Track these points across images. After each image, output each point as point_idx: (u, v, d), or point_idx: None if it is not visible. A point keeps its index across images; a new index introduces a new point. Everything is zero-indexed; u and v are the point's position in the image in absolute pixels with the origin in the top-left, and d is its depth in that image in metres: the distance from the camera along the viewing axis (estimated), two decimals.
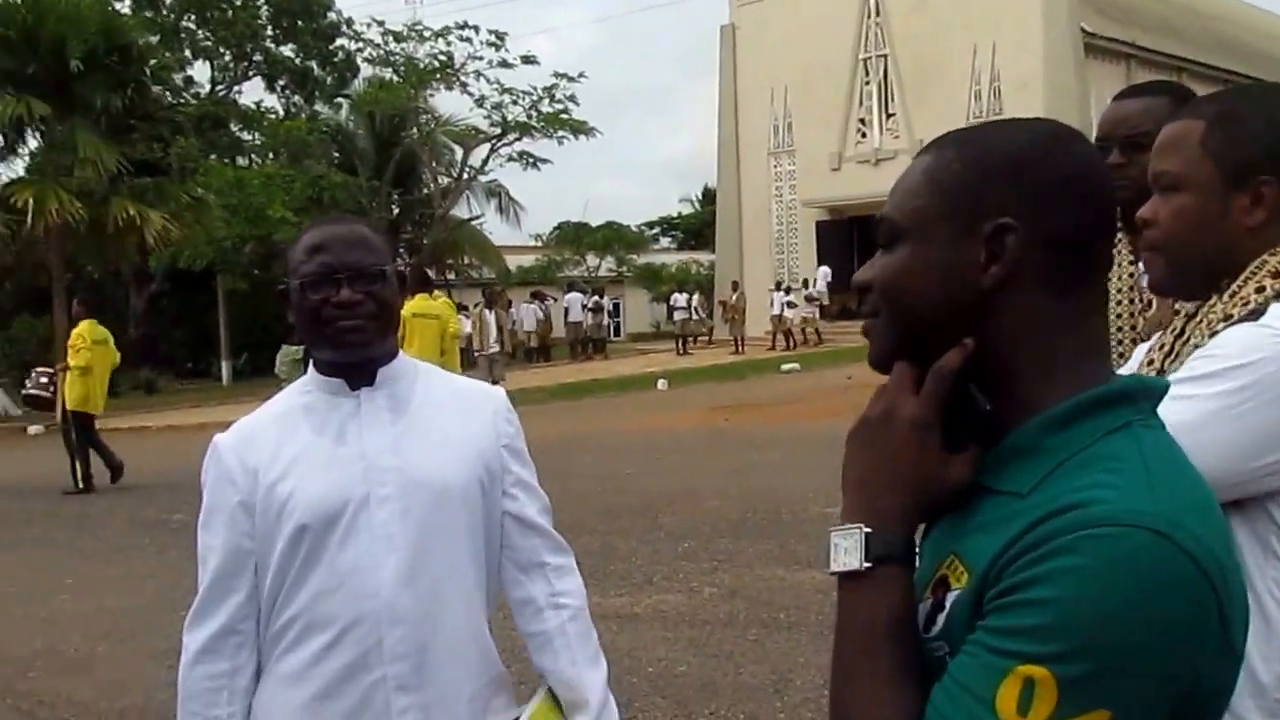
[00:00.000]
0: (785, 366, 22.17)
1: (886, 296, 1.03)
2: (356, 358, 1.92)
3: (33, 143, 24.30)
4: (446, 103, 52.95)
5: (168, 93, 28.28)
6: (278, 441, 1.93)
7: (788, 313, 27.42)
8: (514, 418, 2.10)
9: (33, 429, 20.39)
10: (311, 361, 2.01)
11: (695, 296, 30.91)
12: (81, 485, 11.82)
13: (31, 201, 20.89)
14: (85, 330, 11.96)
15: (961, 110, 26.97)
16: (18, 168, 24.92)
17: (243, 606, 1.90)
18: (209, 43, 31.19)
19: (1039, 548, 0.88)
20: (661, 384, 20.70)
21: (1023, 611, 0.87)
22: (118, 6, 26.84)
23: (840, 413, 12.79)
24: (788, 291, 27.96)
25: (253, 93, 42.88)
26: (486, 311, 16.36)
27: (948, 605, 0.95)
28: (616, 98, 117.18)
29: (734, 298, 28.21)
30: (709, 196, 45.44)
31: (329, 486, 1.88)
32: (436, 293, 12.68)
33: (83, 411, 11.88)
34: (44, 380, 12.39)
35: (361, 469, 1.89)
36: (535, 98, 27.37)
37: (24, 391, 12.98)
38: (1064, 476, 0.92)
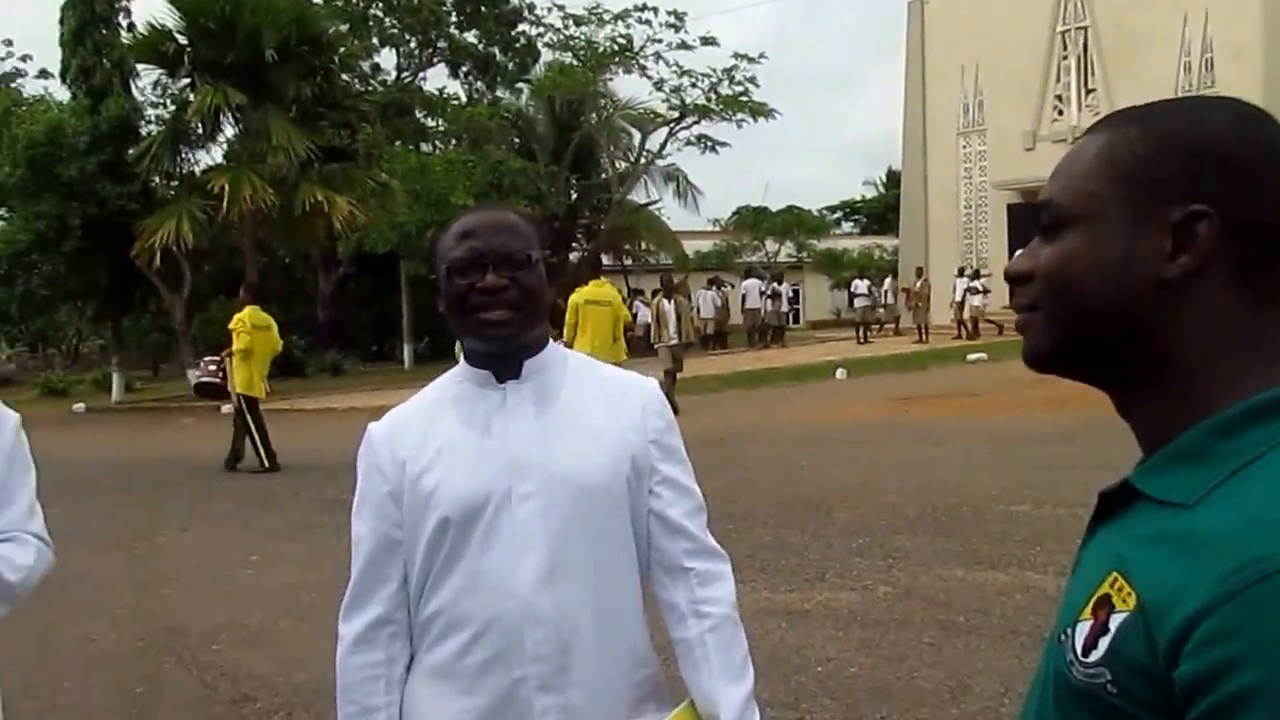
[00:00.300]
0: (971, 357, 21.39)
1: (1052, 288, 0.96)
2: (501, 348, 1.90)
3: (229, 130, 25.31)
4: (625, 86, 53.45)
5: (355, 80, 29.23)
6: (426, 432, 1.92)
7: (971, 300, 26.46)
8: (666, 411, 2.02)
9: (226, 408, 21.39)
10: (463, 352, 1.99)
11: (887, 281, 30.13)
12: (266, 464, 12.28)
13: (227, 187, 21.92)
14: (247, 316, 12.42)
15: (1168, 84, 25.43)
16: (215, 155, 26.11)
17: (395, 596, 1.91)
18: (395, 30, 32.13)
19: (1214, 616, 0.79)
20: (840, 373, 20.26)
21: (1245, 711, 0.77)
22: None
23: (1028, 406, 12.28)
24: (974, 277, 26.99)
25: (437, 79, 44.14)
26: (665, 301, 15.89)
27: (1112, 629, 0.86)
28: (798, 78, 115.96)
29: (918, 284, 27.43)
30: (893, 179, 44.42)
31: (472, 481, 1.86)
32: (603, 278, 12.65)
33: (248, 395, 12.32)
34: (212, 367, 12.88)
35: (504, 464, 1.87)
36: (714, 80, 27.16)
37: (195, 381, 13.43)
38: (1234, 486, 0.85)
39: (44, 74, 32.50)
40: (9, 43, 55.80)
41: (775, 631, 5.62)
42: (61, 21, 25.55)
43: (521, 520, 1.84)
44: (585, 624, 1.85)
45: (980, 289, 26.50)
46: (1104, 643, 0.87)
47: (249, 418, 12.38)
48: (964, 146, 30.97)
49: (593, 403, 1.95)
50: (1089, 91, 28.58)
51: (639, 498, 1.93)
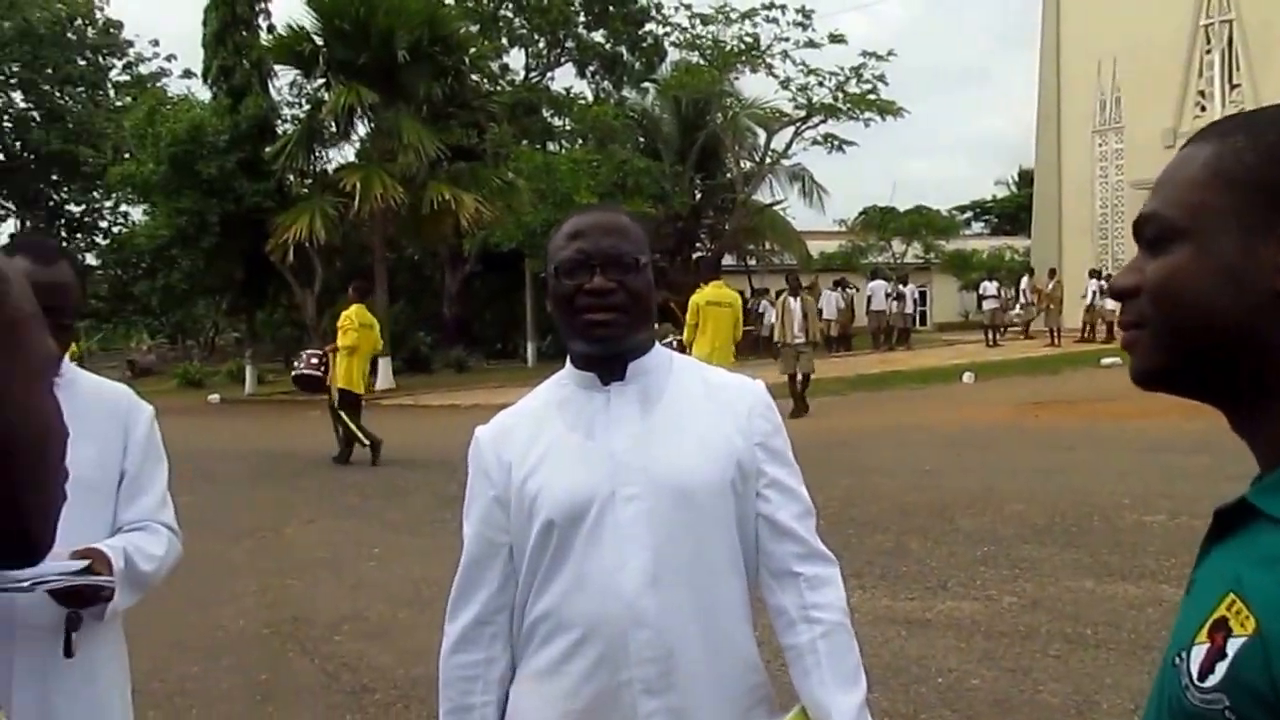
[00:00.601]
0: (1105, 361, 20.64)
1: (1159, 304, 0.94)
2: (606, 351, 1.90)
3: (361, 129, 25.87)
4: (751, 85, 53.13)
5: (484, 80, 29.60)
6: (532, 435, 1.93)
7: (1103, 302, 25.53)
8: (773, 413, 1.99)
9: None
10: (568, 355, 1.99)
11: (1024, 280, 29.28)
12: (368, 444, 12.49)
13: (359, 185, 22.39)
14: (354, 313, 12.72)
15: None
16: (347, 153, 26.74)
17: (494, 598, 1.92)
18: (524, 30, 32.48)
19: None
20: (967, 377, 19.77)
21: None
22: None
23: (1164, 413, 11.76)
24: (1105, 278, 26.06)
25: (564, 79, 44.58)
26: (791, 299, 15.02)
27: (1230, 654, 0.83)
28: (929, 74, 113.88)
29: (1050, 286, 26.63)
30: (1025, 178, 43.26)
31: (575, 483, 1.86)
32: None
33: (348, 390, 12.59)
34: (314, 361, 13.10)
35: (608, 466, 1.86)
36: (842, 78, 26.63)
37: (294, 373, 13.69)
38: None
39: (188, 74, 33.89)
40: (155, 43, 58.36)
41: (895, 640, 5.50)
42: (204, 23, 26.44)
43: (625, 522, 1.83)
44: (691, 627, 1.83)
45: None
46: (1221, 668, 0.84)
47: (346, 412, 12.65)
48: (1100, 144, 29.92)
49: (697, 405, 1.94)
50: (1233, 87, 27.32)
51: (745, 501, 1.91)
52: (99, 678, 2.32)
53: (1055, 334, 26.15)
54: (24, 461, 0.79)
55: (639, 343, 1.92)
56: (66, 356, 2.29)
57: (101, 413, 2.38)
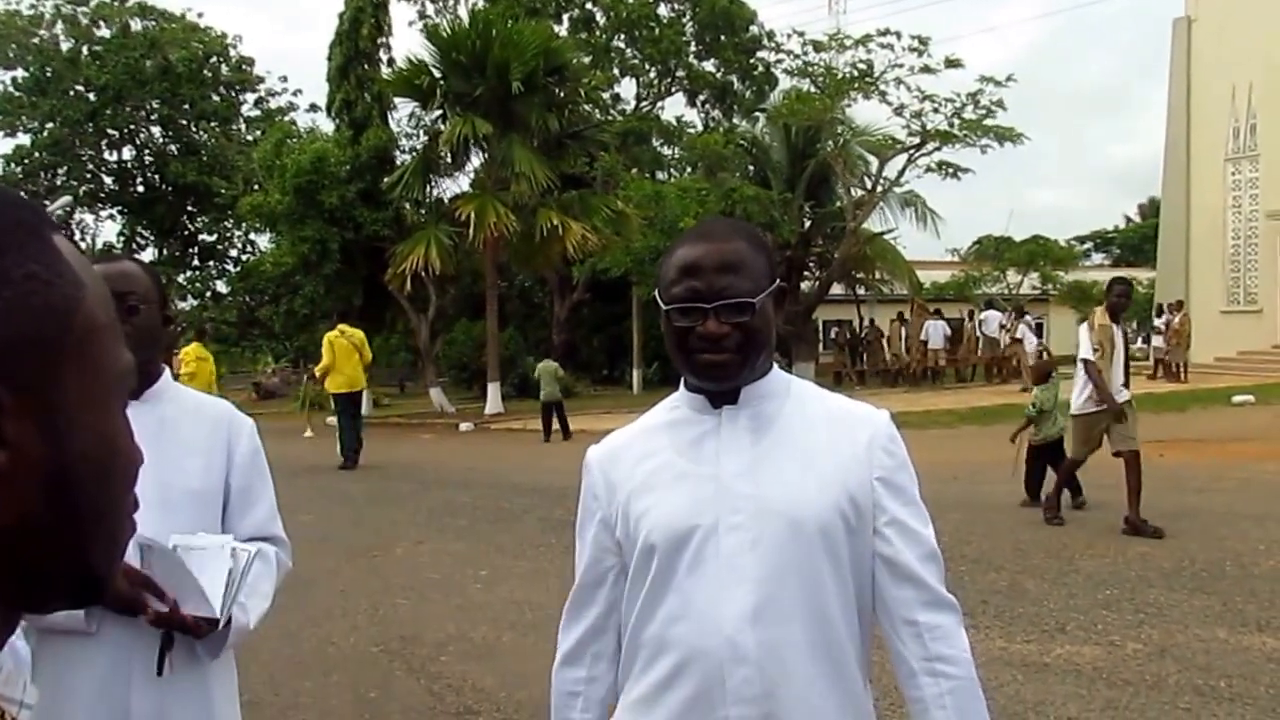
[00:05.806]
0: (1236, 398, 19.84)
1: None
2: (718, 389, 1.83)
3: (476, 159, 26.08)
4: (863, 112, 52.46)
5: (596, 110, 29.84)
6: (640, 457, 1.88)
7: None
8: (897, 447, 1.85)
9: (464, 426, 22.16)
10: (682, 376, 1.92)
11: (1177, 318, 28.39)
12: None
13: (473, 214, 22.64)
14: (192, 350, 15.78)
15: None
16: (462, 183, 27.08)
17: (600, 619, 1.91)
18: (635, 60, 32.71)
19: None
20: None
21: None
22: (555, 29, 28.63)
23: None
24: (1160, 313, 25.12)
25: (674, 108, 44.69)
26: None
27: None
28: (1051, 100, 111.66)
29: (1176, 319, 25.72)
30: (1152, 208, 42.01)
31: (678, 508, 1.80)
32: None
33: None
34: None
35: (714, 492, 1.79)
36: (958, 104, 25.98)
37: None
38: None
39: (314, 108, 34.95)
40: (284, 79, 60.28)
41: (1010, 684, 5.31)
42: (329, 58, 27.23)
43: (728, 553, 1.75)
44: (794, 668, 1.73)
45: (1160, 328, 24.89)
46: None
47: None
48: (1233, 173, 28.83)
49: (813, 434, 1.83)
50: None
51: (860, 538, 1.79)
52: (212, 687, 2.40)
53: (1181, 370, 25.24)
54: (86, 492, 0.71)
55: (755, 374, 1.84)
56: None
57: (205, 426, 2.49)
